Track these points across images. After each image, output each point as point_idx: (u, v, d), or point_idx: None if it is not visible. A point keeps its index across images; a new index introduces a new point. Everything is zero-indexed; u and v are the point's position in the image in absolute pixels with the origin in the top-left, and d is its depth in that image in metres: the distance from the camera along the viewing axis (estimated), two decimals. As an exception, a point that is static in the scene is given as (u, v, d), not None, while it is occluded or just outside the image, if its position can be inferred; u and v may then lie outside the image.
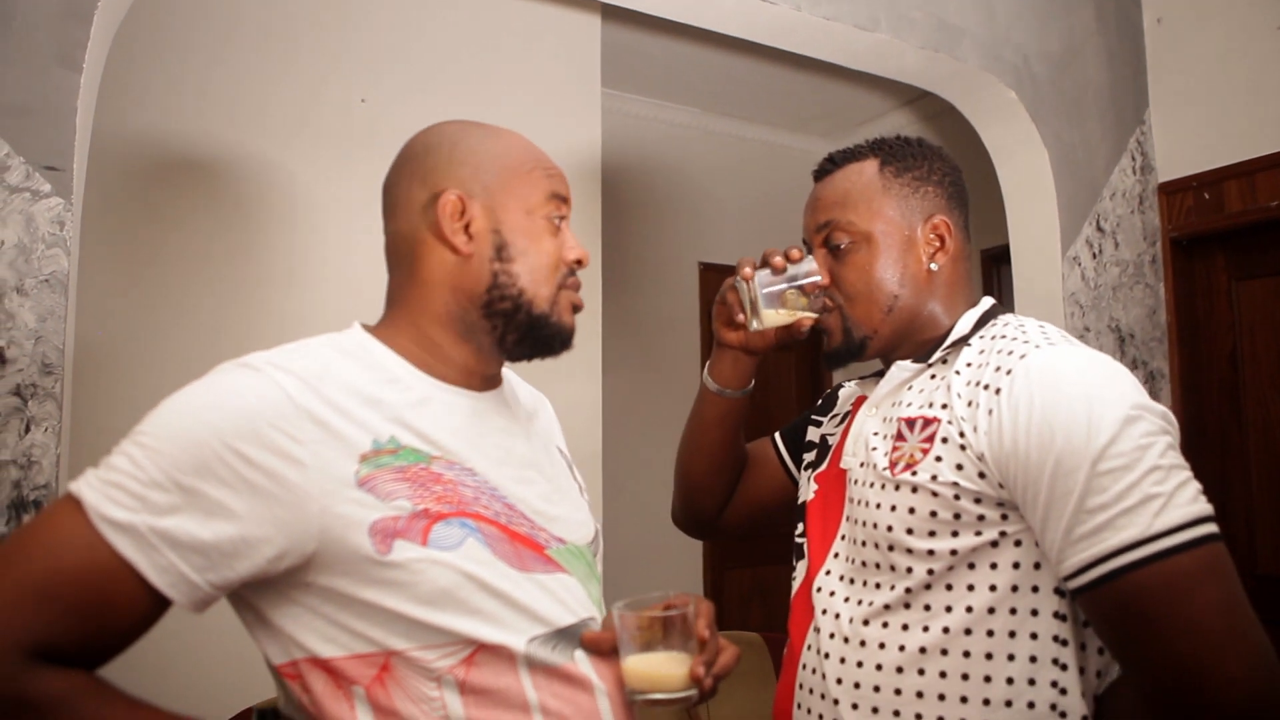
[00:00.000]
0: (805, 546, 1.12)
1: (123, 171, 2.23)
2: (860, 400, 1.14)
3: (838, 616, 1.01)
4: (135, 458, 0.73)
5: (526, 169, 0.94)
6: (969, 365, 1.00)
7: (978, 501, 0.93)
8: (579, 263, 0.95)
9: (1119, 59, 2.82)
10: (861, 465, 1.05)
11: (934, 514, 0.94)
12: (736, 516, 1.38)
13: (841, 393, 1.29)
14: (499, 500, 0.87)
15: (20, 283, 1.40)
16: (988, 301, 1.10)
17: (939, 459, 0.95)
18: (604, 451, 2.82)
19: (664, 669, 0.86)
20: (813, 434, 1.27)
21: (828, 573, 1.05)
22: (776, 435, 1.38)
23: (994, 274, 3.79)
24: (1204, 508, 0.85)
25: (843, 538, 1.06)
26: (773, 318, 1.12)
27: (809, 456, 1.23)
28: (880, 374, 1.14)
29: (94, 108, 1.58)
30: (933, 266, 1.07)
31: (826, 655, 1.01)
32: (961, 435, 0.94)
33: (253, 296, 2.36)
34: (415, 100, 2.56)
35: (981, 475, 0.92)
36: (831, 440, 1.18)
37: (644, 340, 3.98)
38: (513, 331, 0.92)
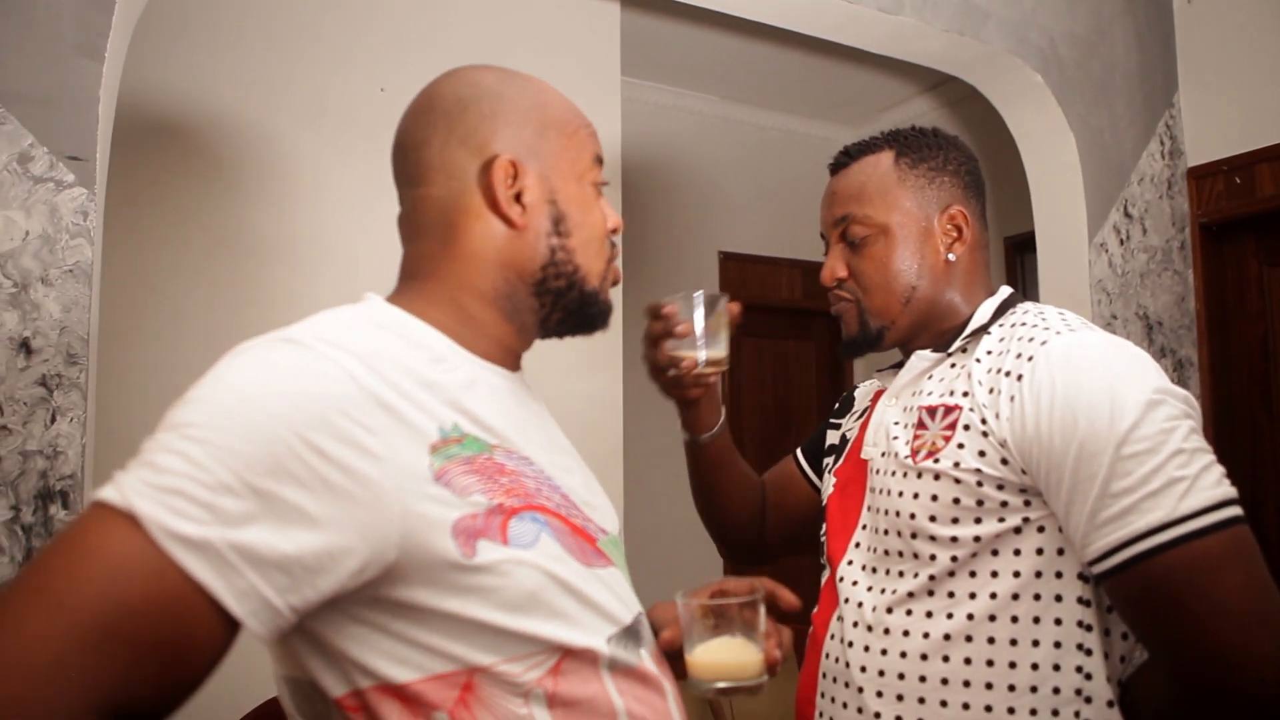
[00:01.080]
0: (826, 544, 1.13)
1: (144, 160, 2.24)
2: (880, 392, 1.15)
3: (861, 605, 1.02)
4: (192, 456, 0.59)
5: (573, 128, 0.86)
6: (989, 353, 1.00)
7: (1000, 488, 0.93)
8: (615, 230, 0.89)
9: (1147, 40, 2.77)
10: (883, 455, 1.05)
11: (957, 501, 0.95)
12: (778, 537, 1.40)
13: (858, 391, 1.29)
14: (556, 491, 0.79)
15: (45, 273, 1.40)
16: (1006, 290, 1.10)
17: (961, 446, 0.95)
18: (624, 444, 2.81)
19: (735, 657, 0.84)
20: (832, 436, 1.28)
21: (850, 562, 1.06)
22: (798, 451, 1.40)
23: (1019, 261, 3.75)
24: (1228, 490, 0.85)
25: (864, 527, 1.06)
26: (719, 349, 1.11)
27: (829, 460, 1.24)
28: (899, 365, 1.14)
29: (116, 97, 1.59)
30: (950, 257, 1.08)
31: (850, 644, 1.01)
32: (984, 422, 0.94)
33: (276, 284, 2.36)
34: (434, 89, 2.54)
35: (1004, 461, 0.93)
36: (851, 435, 1.18)
37: (664, 330, 3.97)
38: (559, 310, 0.85)
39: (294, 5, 2.45)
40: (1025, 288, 3.62)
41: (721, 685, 0.84)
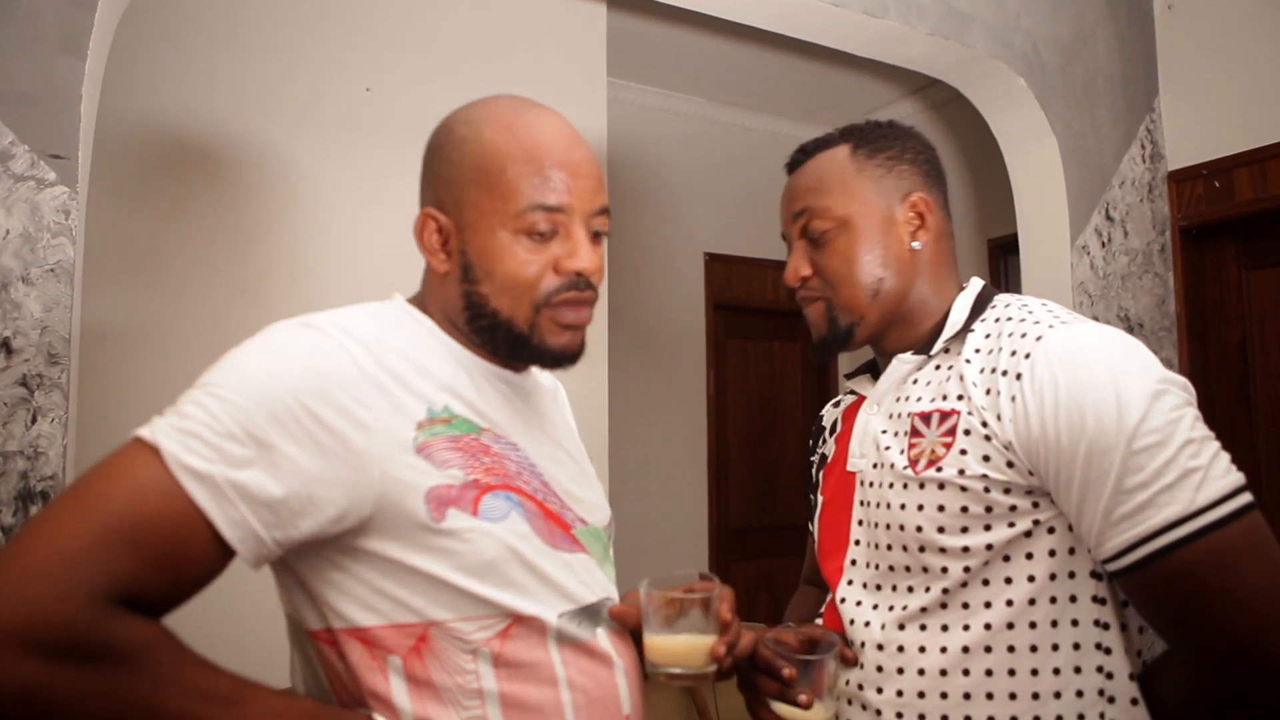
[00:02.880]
0: (821, 566, 1.08)
1: (127, 160, 2.22)
2: (859, 400, 1.11)
3: (869, 625, 0.98)
4: (210, 408, 0.72)
5: (505, 176, 0.86)
6: (978, 352, 0.97)
7: (1007, 492, 0.91)
8: (579, 274, 0.88)
9: (1129, 45, 2.79)
10: (875, 466, 1.02)
11: (965, 509, 0.92)
12: None
13: (825, 414, 1.24)
14: (537, 477, 0.88)
15: (26, 272, 1.39)
16: (977, 283, 1.07)
17: (964, 452, 0.93)
18: (610, 442, 2.81)
19: (686, 645, 0.88)
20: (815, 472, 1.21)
21: (850, 582, 1.03)
22: (810, 525, 1.26)
23: (1002, 263, 3.77)
24: (1239, 477, 0.85)
25: (857, 543, 1.03)
26: (830, 707, 0.97)
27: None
28: (869, 368, 1.12)
29: (99, 95, 1.58)
30: (915, 245, 1.04)
31: (861, 666, 0.98)
32: (985, 425, 0.92)
33: (258, 285, 2.35)
34: (420, 89, 2.54)
35: (1010, 464, 0.90)
36: (831, 453, 1.14)
37: (650, 330, 3.97)
38: (500, 345, 0.90)
39: (280, 5, 2.44)
40: (1008, 289, 3.63)
41: (669, 670, 0.88)
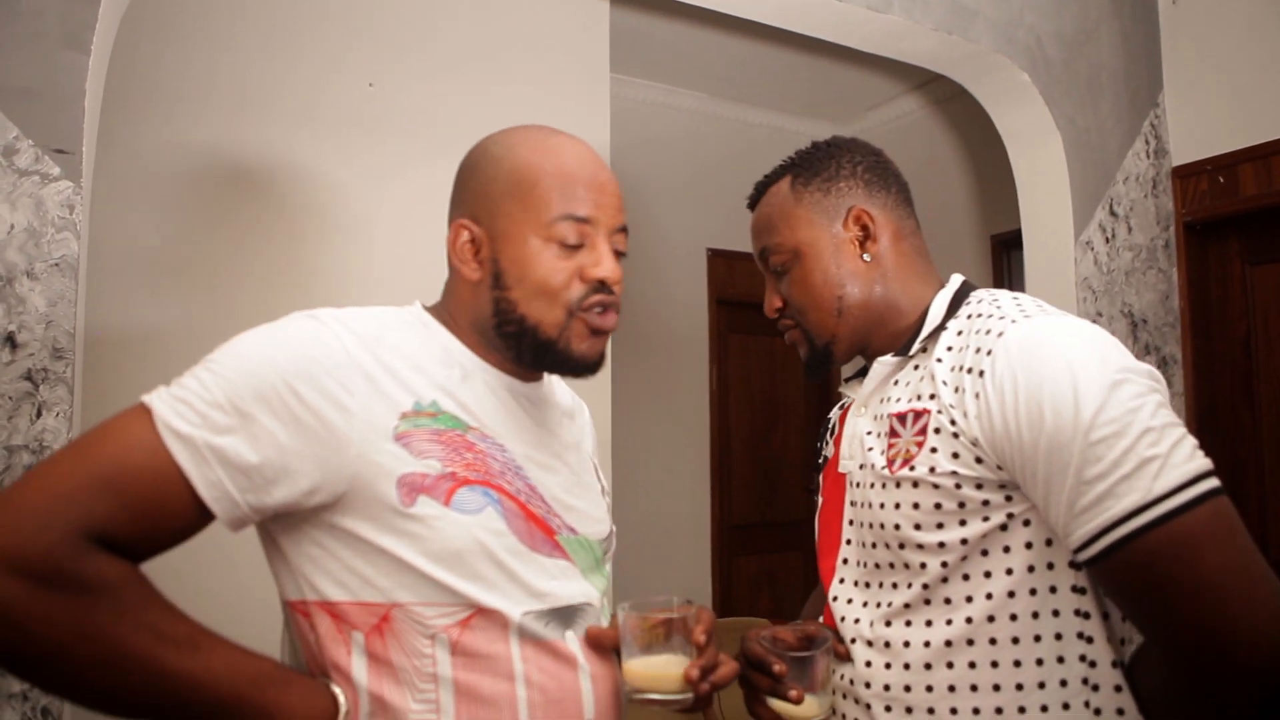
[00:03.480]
0: (818, 566, 1.11)
1: (130, 155, 2.22)
2: (850, 404, 1.14)
3: (858, 622, 1.01)
4: (204, 380, 0.80)
5: (537, 190, 0.93)
6: (949, 350, 0.99)
7: (979, 487, 0.92)
8: (602, 280, 0.93)
9: (1133, 41, 2.79)
10: (861, 467, 1.04)
11: (939, 506, 0.94)
12: None
13: (832, 415, 1.26)
14: (522, 479, 0.91)
15: (30, 267, 1.39)
16: (957, 280, 1.09)
17: (934, 450, 0.94)
18: (613, 437, 2.81)
19: (662, 670, 0.89)
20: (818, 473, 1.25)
21: (841, 581, 1.06)
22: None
23: (1005, 258, 3.77)
24: (1202, 463, 0.84)
25: (848, 542, 1.06)
26: (826, 699, 0.99)
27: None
28: (863, 373, 1.13)
29: (102, 91, 1.58)
30: (866, 257, 1.07)
31: (852, 661, 1.00)
32: (953, 423, 0.93)
33: (259, 280, 2.35)
34: (424, 85, 2.54)
35: (979, 460, 0.92)
36: (829, 454, 1.17)
37: (652, 326, 3.97)
38: (525, 352, 0.94)
39: (283, 2, 2.44)
40: (1011, 284, 3.64)
41: (646, 695, 0.89)
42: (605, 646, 0.91)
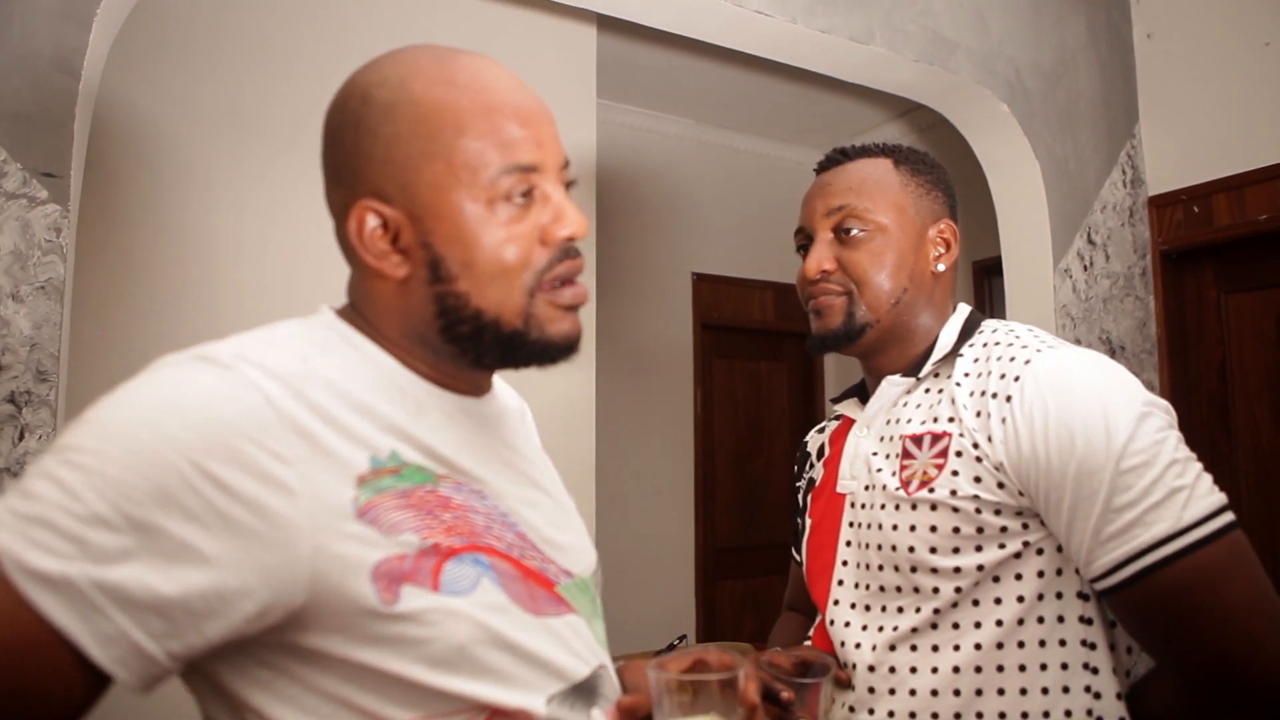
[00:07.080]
0: (810, 589, 1.09)
1: (118, 176, 2.22)
2: (847, 424, 1.13)
3: (859, 646, 1.00)
4: (68, 483, 0.54)
5: (463, 138, 0.69)
6: (967, 375, 1.00)
7: (998, 513, 0.93)
8: (570, 239, 0.72)
9: (1110, 73, 2.85)
10: (866, 488, 1.03)
11: (956, 530, 0.94)
12: None
13: (809, 440, 1.25)
14: (510, 529, 0.72)
15: (16, 289, 1.39)
16: (965, 309, 1.11)
17: (955, 473, 0.94)
18: (597, 459, 2.82)
19: None
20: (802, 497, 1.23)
21: (836, 603, 1.04)
22: (794, 551, 1.28)
23: (985, 285, 3.81)
24: (1221, 496, 0.87)
25: (844, 563, 1.04)
26: None
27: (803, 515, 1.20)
28: (855, 391, 1.14)
29: (91, 114, 1.58)
30: (939, 268, 1.08)
31: (853, 687, 0.99)
32: (976, 447, 0.94)
33: (250, 303, 2.35)
34: (411, 109, 2.55)
35: (1001, 485, 0.92)
36: (819, 476, 1.15)
37: (637, 349, 3.99)
38: (487, 352, 0.73)
39: (272, 23, 2.45)
40: (992, 311, 3.68)
41: None
42: (640, 715, 0.77)
